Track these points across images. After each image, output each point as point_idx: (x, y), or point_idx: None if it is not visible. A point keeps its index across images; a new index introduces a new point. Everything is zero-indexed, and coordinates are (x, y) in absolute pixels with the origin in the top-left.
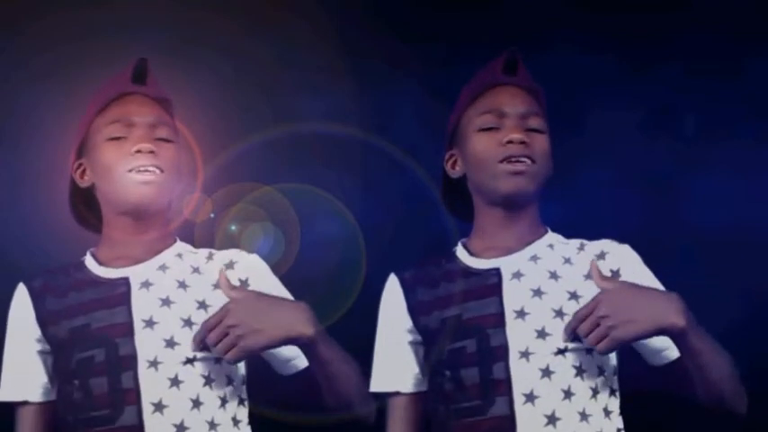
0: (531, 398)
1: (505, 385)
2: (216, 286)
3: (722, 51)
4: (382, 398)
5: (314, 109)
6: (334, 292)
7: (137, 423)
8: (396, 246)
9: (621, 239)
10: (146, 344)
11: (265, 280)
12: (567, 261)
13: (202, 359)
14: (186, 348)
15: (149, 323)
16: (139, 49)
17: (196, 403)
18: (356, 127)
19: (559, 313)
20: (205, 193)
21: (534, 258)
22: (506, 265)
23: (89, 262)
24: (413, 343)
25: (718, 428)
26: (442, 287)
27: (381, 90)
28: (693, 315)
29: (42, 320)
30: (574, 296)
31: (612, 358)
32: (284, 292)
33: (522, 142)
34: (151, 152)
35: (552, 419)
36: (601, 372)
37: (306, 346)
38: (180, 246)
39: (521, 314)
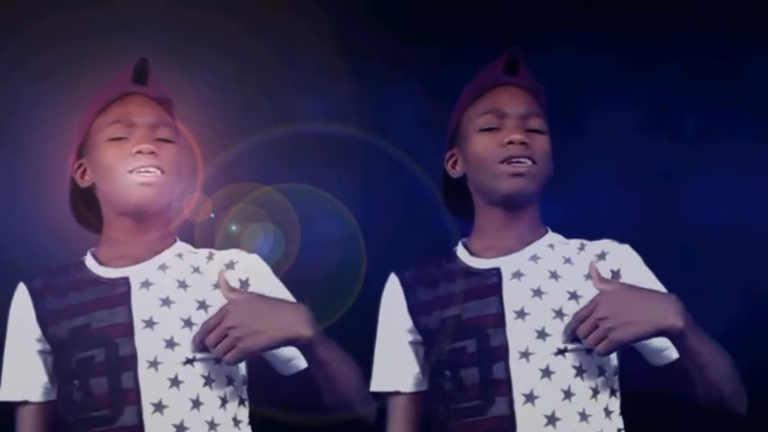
0: (530, 398)
1: (505, 385)
2: (216, 286)
3: (722, 51)
4: (382, 397)
5: (314, 109)
6: (334, 292)
7: (137, 423)
8: (396, 246)
9: (621, 239)
10: (146, 344)
11: (266, 280)
12: (568, 261)
13: (202, 359)
14: (186, 348)
15: (149, 323)
16: (139, 49)
17: (196, 403)
18: (356, 127)
19: (559, 313)
20: (205, 193)
21: (534, 258)
22: (506, 264)
23: (89, 262)
24: (413, 343)
25: (719, 428)
26: (443, 287)
27: (381, 90)
28: (693, 315)
29: (42, 320)
30: (574, 296)
31: (613, 358)
32: (285, 292)
33: (523, 143)
34: (152, 153)
35: (552, 420)
36: (601, 372)
37: (305, 347)
38: (180, 246)
39: (521, 314)
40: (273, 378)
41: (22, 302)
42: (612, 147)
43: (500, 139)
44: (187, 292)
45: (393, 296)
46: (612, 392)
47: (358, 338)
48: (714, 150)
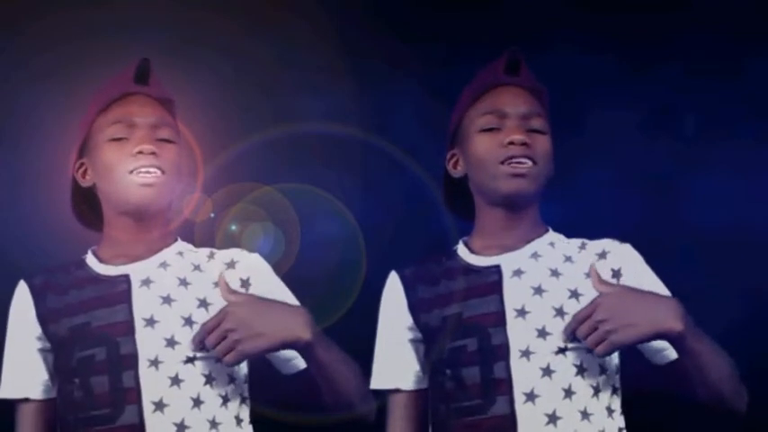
0: (531, 397)
1: (506, 384)
2: (217, 285)
3: (722, 51)
4: (382, 396)
5: (314, 109)
6: (334, 292)
7: (137, 422)
8: (396, 246)
9: (622, 239)
10: (146, 343)
11: (267, 279)
12: (568, 259)
13: (203, 358)
14: (187, 347)
15: (150, 322)
16: (139, 49)
17: (197, 402)
18: (356, 127)
19: (560, 312)
20: (205, 193)
21: (535, 256)
22: (507, 262)
23: (90, 260)
24: (413, 340)
25: (719, 427)
26: (443, 285)
27: (381, 90)
28: (693, 315)
29: (43, 318)
30: (574, 294)
31: (614, 357)
32: (286, 292)
33: (524, 143)
34: (152, 153)
35: (553, 418)
36: (602, 370)
37: (304, 349)
38: (181, 244)
39: (521, 313)
40: (273, 378)
41: (22, 300)
42: (612, 147)
43: (501, 139)
44: (188, 290)
45: (393, 293)
46: (614, 391)
47: (358, 338)
48: (714, 150)
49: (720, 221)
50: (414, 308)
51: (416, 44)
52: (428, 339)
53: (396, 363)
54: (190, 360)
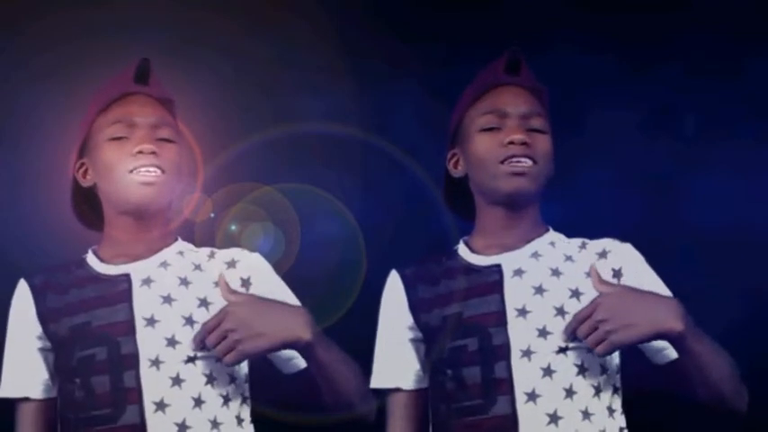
0: (532, 397)
1: (507, 384)
2: (217, 284)
3: (722, 51)
4: (382, 396)
5: (314, 109)
6: (334, 292)
7: (138, 422)
8: (396, 246)
9: (622, 239)
10: (147, 342)
11: (268, 279)
12: (569, 258)
13: (204, 358)
14: (187, 347)
15: (150, 321)
16: (139, 49)
17: (198, 402)
18: (356, 127)
19: (561, 311)
20: (205, 193)
21: (536, 255)
22: (507, 261)
23: (90, 259)
24: (414, 340)
25: (720, 427)
26: (443, 284)
27: (381, 90)
28: (693, 315)
29: (43, 317)
30: (575, 294)
31: (615, 356)
32: (287, 291)
33: (524, 143)
34: (152, 153)
35: (554, 418)
36: (603, 370)
37: (304, 349)
38: (181, 244)
39: (522, 312)
40: (274, 378)
41: (22, 299)
42: (612, 147)
43: (501, 138)
44: (188, 289)
45: (394, 293)
46: (615, 390)
47: (358, 338)
48: (714, 150)
49: (720, 221)
50: (414, 307)
51: (416, 44)
52: (428, 339)
53: (396, 362)
54: (190, 360)
